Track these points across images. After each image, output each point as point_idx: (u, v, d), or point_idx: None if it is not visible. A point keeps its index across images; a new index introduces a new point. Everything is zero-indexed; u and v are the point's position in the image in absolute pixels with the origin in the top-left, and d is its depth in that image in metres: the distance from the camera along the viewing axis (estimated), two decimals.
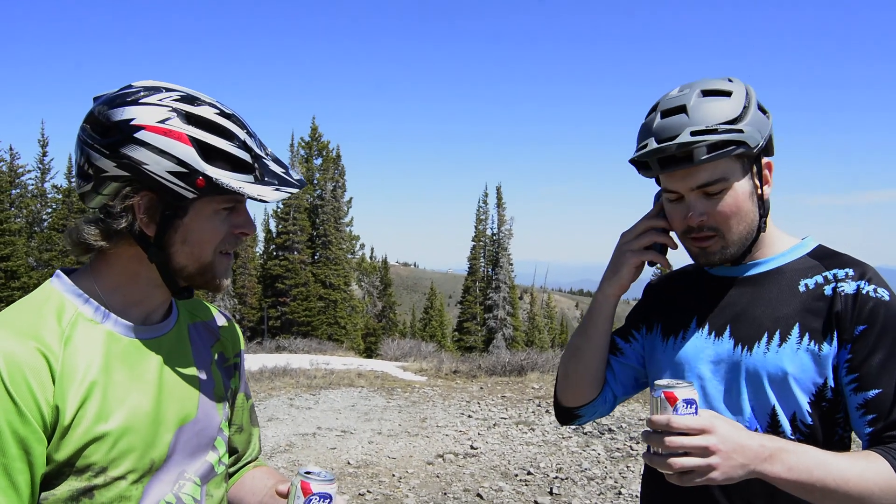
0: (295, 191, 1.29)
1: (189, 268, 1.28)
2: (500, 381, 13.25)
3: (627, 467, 7.02)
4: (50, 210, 34.22)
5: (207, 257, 1.28)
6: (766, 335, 1.46)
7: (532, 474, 6.88)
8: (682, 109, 1.44)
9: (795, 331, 1.44)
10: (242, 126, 1.28)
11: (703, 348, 1.53)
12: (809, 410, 1.42)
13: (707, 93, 1.45)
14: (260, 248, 41.55)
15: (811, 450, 1.32)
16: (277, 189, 1.26)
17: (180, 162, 1.19)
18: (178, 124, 1.21)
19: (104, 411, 1.19)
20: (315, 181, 40.39)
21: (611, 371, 1.69)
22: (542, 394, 11.54)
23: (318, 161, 40.63)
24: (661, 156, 1.41)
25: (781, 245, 1.56)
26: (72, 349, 1.19)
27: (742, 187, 1.45)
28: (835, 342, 1.41)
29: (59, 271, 1.30)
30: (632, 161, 1.49)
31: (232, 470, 1.57)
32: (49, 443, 1.14)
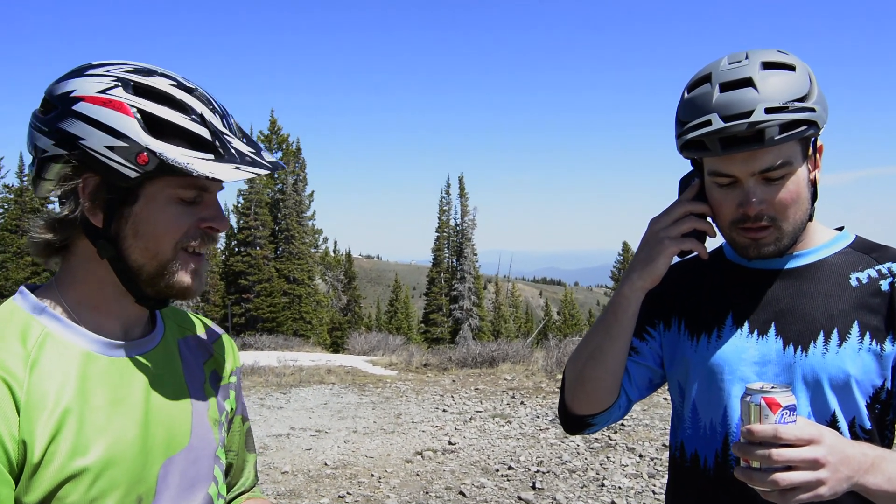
0: (263, 172, 1.10)
1: (147, 267, 1.10)
2: (471, 374, 13.17)
3: (608, 458, 6.98)
4: (1, 210, 33.21)
5: (166, 254, 1.10)
6: (822, 334, 1.34)
7: (513, 469, 6.80)
8: (748, 82, 1.27)
9: (855, 329, 1.33)
10: (207, 102, 1.11)
11: (744, 348, 1.40)
12: (867, 414, 1.32)
13: (769, 65, 1.30)
14: (221, 244, 40.89)
15: None
16: (238, 168, 1.08)
17: (119, 135, 1.03)
18: (120, 94, 1.05)
19: (81, 443, 1.02)
20: (276, 175, 39.81)
21: (626, 373, 1.53)
22: (515, 385, 11.49)
23: (278, 154, 40.02)
24: (726, 135, 1.25)
25: (821, 236, 1.44)
26: (39, 374, 1.02)
27: (802, 173, 1.32)
28: None
29: (22, 287, 1.13)
30: (686, 141, 1.31)
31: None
32: (17, 484, 0.98)
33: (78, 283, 1.12)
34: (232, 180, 1.07)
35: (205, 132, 1.08)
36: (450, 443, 7.88)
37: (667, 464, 4.93)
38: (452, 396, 10.76)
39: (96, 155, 1.03)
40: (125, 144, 1.03)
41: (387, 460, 7.29)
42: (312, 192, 41.27)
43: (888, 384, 1.31)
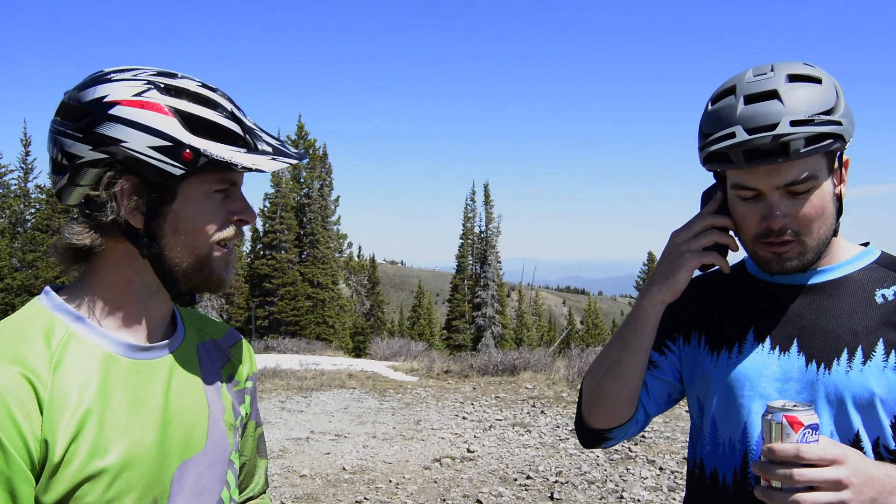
0: (294, 161, 1.15)
1: (185, 263, 1.13)
2: (492, 381, 13.13)
3: (627, 469, 6.91)
4: (33, 210, 33.69)
5: (203, 249, 1.13)
6: (845, 351, 1.31)
7: (531, 478, 6.76)
8: (773, 95, 1.25)
9: (880, 347, 1.29)
10: (229, 99, 1.15)
11: (765, 364, 1.37)
12: (892, 434, 1.28)
13: (794, 77, 1.27)
14: (247, 247, 41.21)
15: None
16: (274, 159, 1.13)
17: (163, 135, 1.06)
18: (156, 96, 1.08)
19: (101, 444, 1.04)
20: (302, 180, 40.11)
21: (644, 387, 1.50)
22: (536, 394, 11.43)
23: (305, 160, 40.26)
24: (750, 147, 1.23)
25: (845, 251, 1.41)
26: (62, 374, 1.03)
27: (827, 187, 1.29)
28: None
29: (47, 287, 1.14)
30: (709, 153, 1.29)
31: None
32: (37, 482, 0.99)
33: (105, 284, 1.14)
34: (272, 170, 1.12)
35: (237, 127, 1.12)
36: (468, 450, 7.85)
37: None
38: (473, 404, 10.72)
39: (139, 156, 1.06)
40: (169, 143, 1.06)
41: (405, 466, 7.28)
42: (338, 196, 41.52)
43: None
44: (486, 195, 44.04)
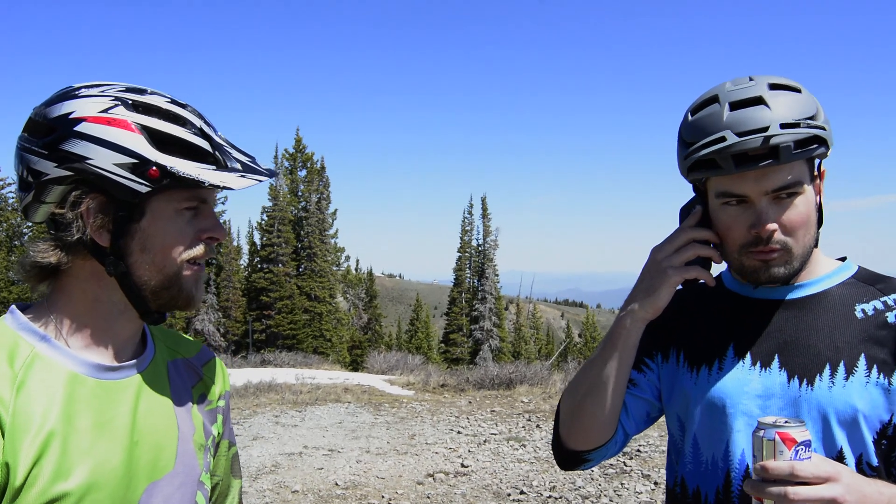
0: (263, 179, 1.14)
1: (153, 281, 1.11)
2: (488, 395, 13.07)
3: (622, 484, 6.86)
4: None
5: (172, 267, 1.12)
6: (828, 367, 1.29)
7: (525, 493, 6.71)
8: (759, 101, 1.25)
9: (862, 362, 1.28)
10: (199, 116, 1.14)
11: (746, 381, 1.35)
12: (875, 450, 1.27)
13: (775, 86, 1.28)
14: (244, 260, 41.24)
15: None
16: (243, 176, 1.11)
17: (129, 152, 1.05)
18: (123, 112, 1.07)
19: (64, 467, 1.02)
20: (299, 193, 40.16)
21: (623, 406, 1.47)
22: (532, 408, 11.38)
23: (303, 173, 40.42)
24: (739, 151, 1.21)
25: (824, 266, 1.40)
26: (25, 395, 1.02)
27: (810, 194, 1.29)
28: None
29: (13, 306, 1.13)
30: (696, 159, 1.28)
31: None
32: None
33: (71, 303, 1.12)
34: (240, 188, 1.10)
35: (205, 144, 1.11)
36: (462, 465, 7.80)
37: None
38: (468, 418, 10.67)
39: (105, 173, 1.04)
40: (134, 161, 1.05)
41: (398, 482, 7.23)
42: (335, 210, 41.57)
43: (895, 420, 1.27)
44: (484, 208, 44.09)
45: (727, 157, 1.23)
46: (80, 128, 1.05)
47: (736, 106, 1.26)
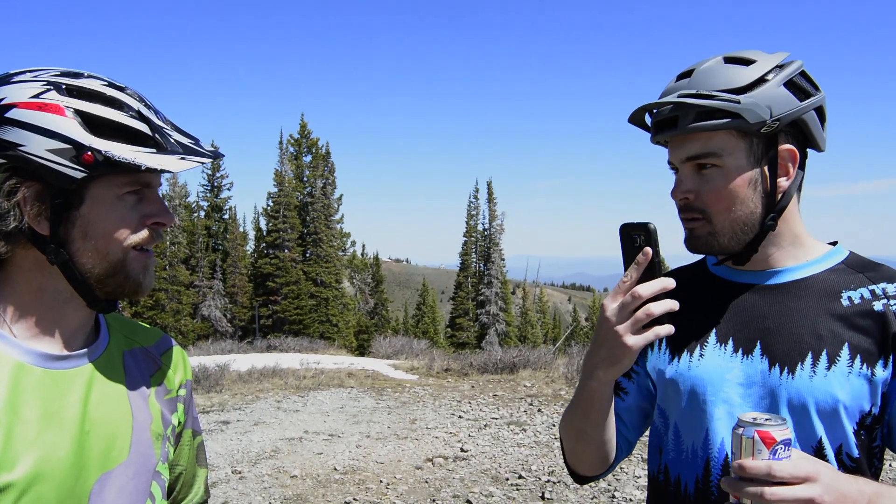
0: (206, 161, 1.11)
1: (97, 268, 1.09)
2: (491, 379, 13.08)
3: (621, 469, 6.85)
4: None
5: (117, 254, 1.09)
6: (810, 356, 1.25)
7: (523, 478, 6.71)
8: (689, 73, 1.29)
9: (845, 352, 1.24)
10: (139, 99, 1.11)
11: (728, 368, 1.31)
12: (855, 442, 1.23)
13: (729, 60, 1.29)
14: (250, 246, 41.36)
15: None
16: (183, 158, 1.08)
17: (61, 137, 1.02)
18: (55, 97, 1.04)
19: (8, 458, 0.99)
20: (305, 178, 40.14)
21: (619, 420, 1.47)
22: (534, 392, 11.38)
23: (308, 158, 40.37)
24: (656, 119, 1.29)
25: (811, 251, 1.35)
26: None
27: (740, 169, 1.26)
28: (890, 366, 1.22)
29: None
30: (630, 120, 1.36)
31: None
32: None
33: (17, 293, 1.10)
34: (179, 170, 1.08)
35: (144, 127, 1.08)
36: (462, 450, 7.81)
37: None
38: (470, 402, 10.68)
39: (38, 160, 1.02)
40: (68, 146, 1.02)
41: (397, 466, 7.24)
42: (341, 195, 41.59)
43: (875, 410, 1.23)
44: (490, 192, 44.02)
45: (652, 125, 1.32)
46: (10, 114, 1.02)
47: (678, 77, 1.32)
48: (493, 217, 43.86)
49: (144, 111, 1.10)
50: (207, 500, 1.47)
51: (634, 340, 1.15)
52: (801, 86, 1.27)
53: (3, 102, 1.03)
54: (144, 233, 1.12)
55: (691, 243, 1.33)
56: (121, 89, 1.10)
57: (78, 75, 1.09)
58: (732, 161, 1.25)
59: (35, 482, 1.01)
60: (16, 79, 1.06)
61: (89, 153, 1.02)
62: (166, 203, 1.19)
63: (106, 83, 1.09)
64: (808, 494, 1.05)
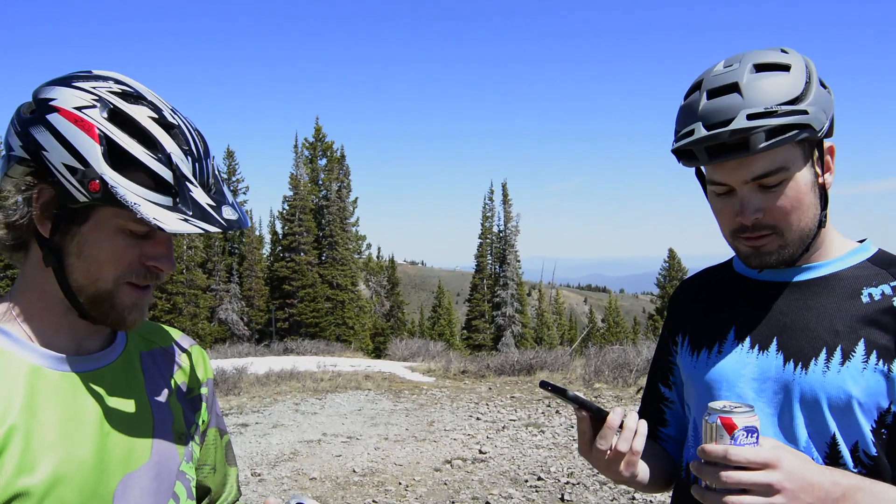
0: (213, 229, 1.04)
1: (87, 289, 1.06)
2: (509, 381, 13.06)
3: None
4: None
5: (106, 283, 1.06)
6: (824, 351, 1.24)
7: (542, 479, 6.68)
8: (733, 88, 1.21)
9: (860, 347, 1.22)
10: (184, 142, 1.06)
11: (744, 363, 1.31)
12: (873, 439, 1.21)
13: (761, 67, 1.23)
14: (266, 249, 41.55)
15: (889, 489, 1.13)
16: (186, 220, 1.02)
17: (79, 157, 1.00)
18: (94, 115, 1.02)
19: (28, 461, 0.99)
20: (320, 182, 40.30)
21: (670, 427, 1.51)
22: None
23: (323, 162, 40.55)
24: (710, 144, 1.19)
25: (838, 247, 1.34)
26: None
27: (804, 177, 1.23)
28: None
29: None
30: (674, 151, 1.27)
31: None
32: None
33: (27, 292, 1.10)
34: (173, 231, 1.02)
35: (167, 174, 1.03)
36: (480, 451, 7.79)
37: None
38: (487, 404, 10.66)
39: (52, 169, 1.02)
40: (82, 168, 1.01)
41: (415, 468, 7.24)
42: (356, 198, 41.67)
43: (895, 408, 1.21)
44: (505, 194, 43.98)
45: (701, 149, 1.21)
46: (50, 117, 1.02)
47: (712, 94, 1.23)
48: (509, 218, 43.81)
49: (177, 157, 1.05)
50: (240, 497, 1.47)
51: (617, 477, 1.29)
52: (823, 82, 1.26)
53: (50, 103, 1.03)
54: (140, 271, 1.09)
55: (760, 259, 1.28)
56: (167, 127, 1.06)
57: (137, 99, 1.06)
58: (797, 171, 1.23)
59: (57, 484, 1.01)
60: (77, 83, 1.05)
61: (97, 182, 1.00)
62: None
63: (155, 117, 1.05)
64: (765, 480, 1.06)
